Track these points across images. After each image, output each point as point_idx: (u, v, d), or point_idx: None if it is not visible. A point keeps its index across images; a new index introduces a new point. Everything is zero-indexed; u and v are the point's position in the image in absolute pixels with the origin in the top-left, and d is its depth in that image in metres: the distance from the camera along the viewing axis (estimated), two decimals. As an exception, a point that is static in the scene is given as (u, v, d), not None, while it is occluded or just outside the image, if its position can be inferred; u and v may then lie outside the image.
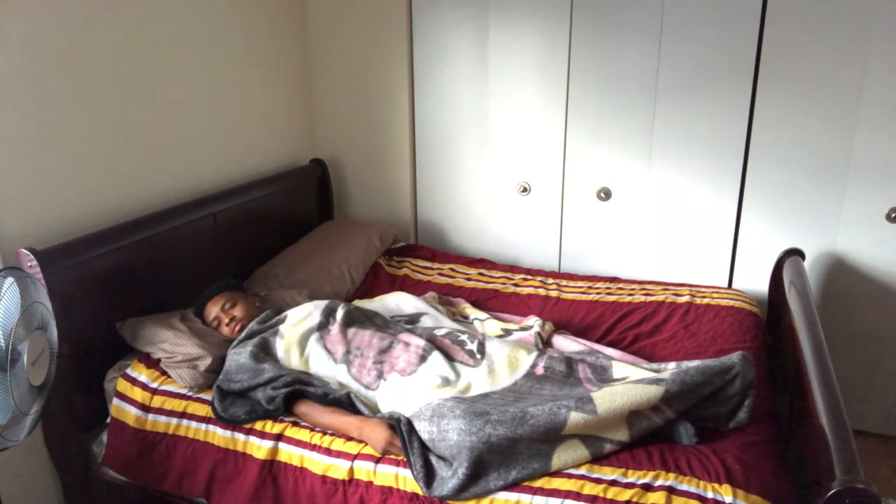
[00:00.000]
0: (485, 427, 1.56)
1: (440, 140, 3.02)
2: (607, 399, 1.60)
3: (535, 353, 1.90)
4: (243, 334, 2.00)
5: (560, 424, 1.57)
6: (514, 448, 1.56)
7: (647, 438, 1.64)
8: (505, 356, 1.88)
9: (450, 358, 1.90)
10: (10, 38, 1.77)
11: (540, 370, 1.84)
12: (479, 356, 1.89)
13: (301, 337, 1.99)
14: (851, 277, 2.53)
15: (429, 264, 2.87)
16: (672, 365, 1.85)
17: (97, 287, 1.96)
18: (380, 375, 1.86)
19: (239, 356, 1.90)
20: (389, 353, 1.91)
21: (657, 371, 1.80)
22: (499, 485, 1.54)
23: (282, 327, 2.02)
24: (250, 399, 1.84)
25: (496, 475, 1.55)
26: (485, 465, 1.55)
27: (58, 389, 1.74)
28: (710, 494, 1.47)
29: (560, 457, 1.57)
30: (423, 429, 1.63)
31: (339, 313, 2.06)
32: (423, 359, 1.87)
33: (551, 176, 2.86)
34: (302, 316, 2.05)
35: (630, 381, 1.69)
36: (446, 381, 1.79)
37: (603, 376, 1.82)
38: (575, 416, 1.57)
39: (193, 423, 1.85)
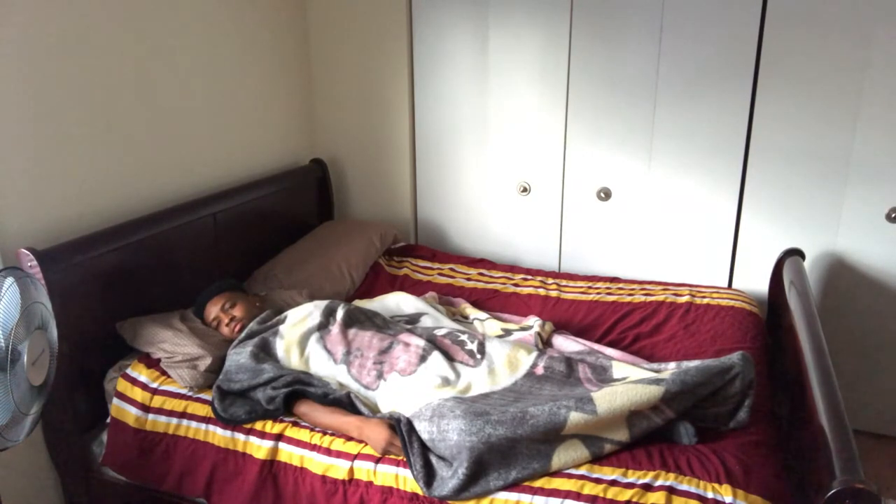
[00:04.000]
0: (485, 427, 1.56)
1: (440, 140, 3.02)
2: (607, 399, 1.60)
3: (534, 353, 1.90)
4: (243, 334, 2.00)
5: (560, 424, 1.57)
6: (514, 448, 1.56)
7: (647, 438, 1.64)
8: (505, 356, 1.88)
9: (450, 358, 1.90)
10: (11, 39, 1.77)
11: (540, 370, 1.84)
12: (479, 356, 1.90)
13: (301, 337, 1.99)
14: (851, 277, 2.53)
15: (429, 264, 2.87)
16: (672, 365, 1.85)
17: (97, 287, 1.96)
18: (380, 375, 1.86)
19: (239, 356, 1.90)
20: (389, 353, 1.91)
21: (657, 371, 1.80)
22: (499, 485, 1.54)
23: (282, 327, 2.02)
24: (250, 399, 1.84)
25: (496, 475, 1.55)
26: (485, 465, 1.55)
27: (58, 389, 1.74)
28: (710, 494, 1.47)
29: (560, 457, 1.57)
30: (423, 429, 1.63)
31: (340, 313, 2.06)
32: (423, 359, 1.87)
33: (551, 176, 2.86)
34: (302, 316, 2.05)
35: (630, 381, 1.69)
36: (446, 381, 1.79)
37: (603, 376, 1.82)
38: (575, 417, 1.57)
39: (193, 423, 1.85)
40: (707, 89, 2.53)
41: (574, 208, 2.87)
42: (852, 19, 2.30)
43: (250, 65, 2.71)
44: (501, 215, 3.01)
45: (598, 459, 1.59)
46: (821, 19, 2.33)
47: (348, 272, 2.67)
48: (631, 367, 1.83)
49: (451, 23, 2.85)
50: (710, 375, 1.65)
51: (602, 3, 2.60)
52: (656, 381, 1.64)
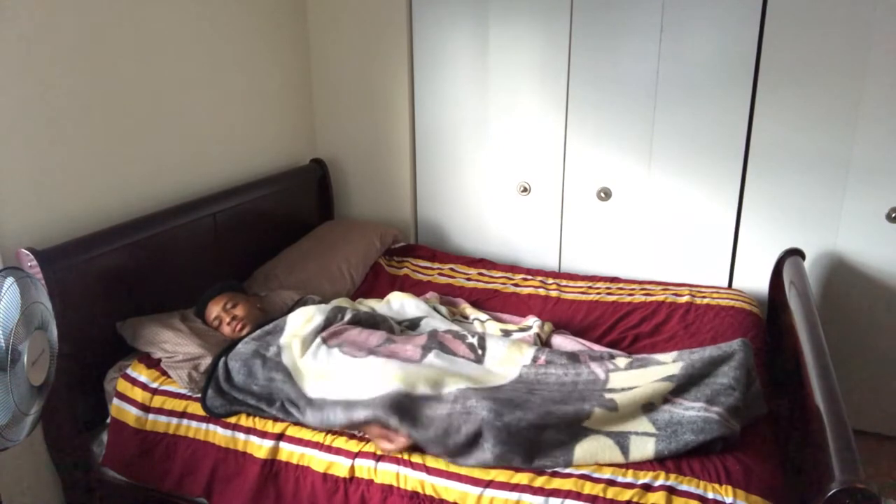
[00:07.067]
0: (515, 411, 1.60)
1: (440, 140, 3.02)
2: (624, 394, 1.68)
3: (535, 347, 1.95)
4: (246, 349, 1.95)
5: (585, 414, 1.63)
6: (538, 438, 1.59)
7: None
8: (506, 349, 1.91)
9: (452, 353, 1.91)
10: (11, 39, 1.77)
11: (542, 361, 1.88)
12: (479, 351, 1.91)
13: (305, 340, 1.97)
14: (851, 277, 2.53)
15: (429, 264, 2.86)
16: (673, 354, 1.91)
17: (97, 287, 1.96)
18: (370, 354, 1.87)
19: (247, 365, 1.88)
20: (385, 347, 1.91)
21: (658, 362, 1.86)
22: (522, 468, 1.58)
23: (286, 333, 2.00)
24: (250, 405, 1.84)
25: (519, 460, 1.58)
26: (509, 451, 1.58)
27: (58, 389, 1.74)
28: (710, 495, 1.47)
29: (584, 447, 1.59)
30: (444, 406, 1.66)
31: (346, 316, 2.08)
32: (424, 355, 1.87)
33: (551, 176, 2.86)
34: (304, 319, 2.04)
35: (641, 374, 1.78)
36: (450, 375, 1.79)
37: (604, 364, 1.88)
38: (598, 411, 1.64)
39: (194, 423, 1.85)
40: (707, 88, 2.53)
41: (574, 208, 2.86)
42: (852, 20, 2.30)
43: (250, 65, 2.71)
44: (501, 215, 3.01)
45: (628, 457, 1.58)
46: (821, 20, 2.33)
47: (348, 272, 2.67)
48: (632, 360, 1.89)
49: (451, 23, 2.85)
50: (712, 364, 1.73)
51: (602, 3, 2.60)
52: (666, 378, 1.71)
